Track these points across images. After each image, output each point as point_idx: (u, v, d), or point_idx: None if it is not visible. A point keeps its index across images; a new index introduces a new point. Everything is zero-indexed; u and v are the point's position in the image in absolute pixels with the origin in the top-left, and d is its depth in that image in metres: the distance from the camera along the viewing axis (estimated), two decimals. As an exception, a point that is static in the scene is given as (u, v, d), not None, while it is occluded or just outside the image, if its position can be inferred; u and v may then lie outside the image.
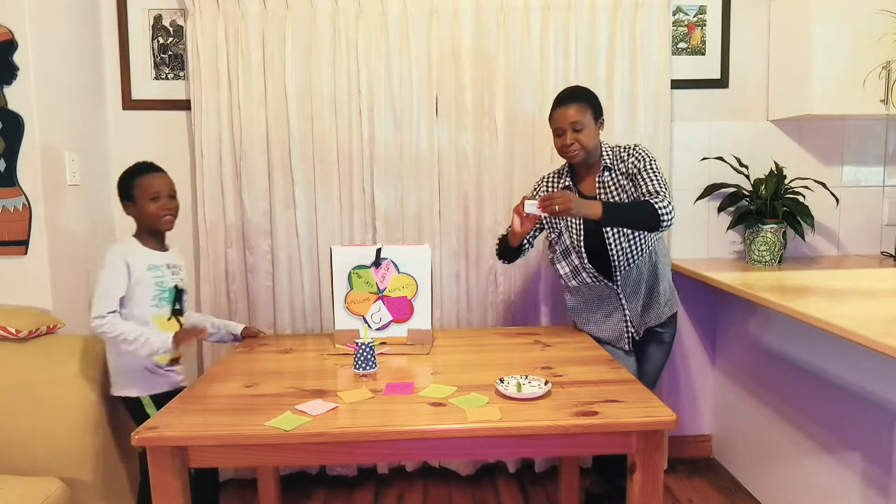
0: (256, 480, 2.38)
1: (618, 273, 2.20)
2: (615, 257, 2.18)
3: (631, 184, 2.15)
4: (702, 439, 2.98)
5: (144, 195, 2.03)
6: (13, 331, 2.11)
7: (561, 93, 2.21)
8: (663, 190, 2.09)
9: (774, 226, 2.64)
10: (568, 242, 2.23)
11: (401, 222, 2.72)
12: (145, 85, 2.74)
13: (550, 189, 2.30)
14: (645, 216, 2.00)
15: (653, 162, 2.15)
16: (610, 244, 2.18)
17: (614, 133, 2.68)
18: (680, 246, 2.87)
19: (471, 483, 2.79)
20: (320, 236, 2.71)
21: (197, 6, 2.60)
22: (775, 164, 2.73)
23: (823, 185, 2.74)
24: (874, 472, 1.90)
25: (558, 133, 2.15)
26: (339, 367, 1.98)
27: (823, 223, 2.91)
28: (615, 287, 2.22)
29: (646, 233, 2.16)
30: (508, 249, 2.27)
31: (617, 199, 2.16)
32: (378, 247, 2.21)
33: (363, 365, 1.88)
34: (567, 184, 2.26)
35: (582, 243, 2.20)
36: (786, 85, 2.75)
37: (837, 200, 2.80)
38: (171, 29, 2.73)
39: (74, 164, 2.45)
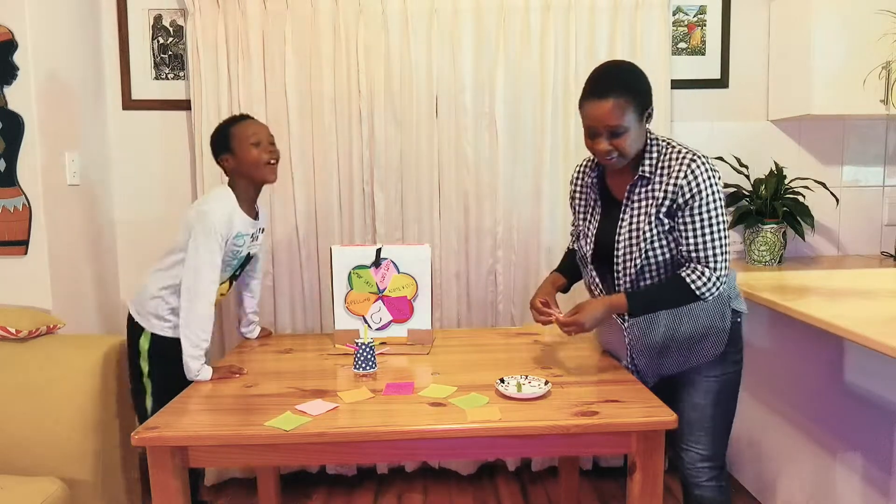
0: (256, 480, 2.38)
1: None
2: (619, 281, 1.75)
3: (667, 212, 1.66)
4: (702, 439, 2.97)
5: (245, 142, 1.92)
6: (13, 331, 2.11)
7: (596, 76, 1.67)
8: (712, 252, 1.64)
9: (774, 226, 2.64)
10: (585, 250, 1.84)
11: (401, 222, 2.72)
12: (145, 85, 2.74)
13: (581, 184, 1.88)
14: (679, 299, 1.67)
15: (711, 200, 1.62)
16: (617, 264, 1.74)
17: (614, 133, 2.68)
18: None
19: (471, 483, 2.79)
20: (320, 236, 2.71)
21: (197, 6, 2.60)
22: (775, 164, 2.73)
23: (823, 185, 2.74)
24: (874, 472, 1.90)
25: (591, 133, 1.65)
26: (339, 367, 1.98)
27: (823, 223, 2.91)
28: (618, 317, 1.80)
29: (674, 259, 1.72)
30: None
31: (644, 218, 1.68)
32: (378, 247, 2.21)
33: (363, 365, 1.88)
34: (592, 181, 1.83)
35: (589, 255, 1.81)
36: (786, 85, 2.75)
37: (837, 200, 2.80)
38: (171, 29, 2.73)
39: (74, 164, 2.45)
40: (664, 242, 1.69)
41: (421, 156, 2.69)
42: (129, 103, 2.75)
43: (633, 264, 1.70)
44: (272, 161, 1.97)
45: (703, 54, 2.82)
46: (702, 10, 2.81)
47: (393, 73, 2.64)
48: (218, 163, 2.01)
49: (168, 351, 1.97)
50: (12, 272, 2.28)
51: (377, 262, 2.20)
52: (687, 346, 1.75)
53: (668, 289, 1.68)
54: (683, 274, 1.65)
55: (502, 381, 1.71)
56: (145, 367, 2.02)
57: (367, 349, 1.88)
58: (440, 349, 2.15)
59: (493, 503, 2.64)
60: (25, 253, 2.28)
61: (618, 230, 1.73)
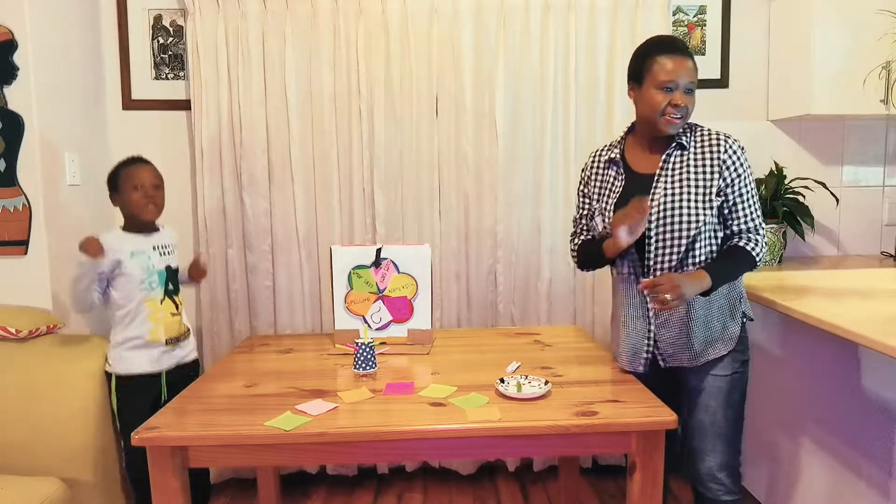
0: (256, 480, 2.38)
1: (650, 275, 1.77)
2: (651, 257, 1.76)
3: (717, 190, 1.71)
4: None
5: (128, 185, 2.09)
6: (13, 331, 2.11)
7: (670, 38, 1.75)
8: (759, 222, 1.76)
9: (774, 226, 2.64)
10: (601, 228, 1.82)
11: (401, 222, 2.72)
12: (145, 85, 2.74)
13: (598, 165, 1.87)
14: (743, 268, 1.74)
15: (750, 174, 1.75)
16: (649, 231, 1.74)
17: (615, 133, 2.68)
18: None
19: (471, 483, 2.79)
20: (320, 236, 2.71)
21: (197, 6, 2.60)
22: (775, 164, 2.73)
23: (823, 185, 2.74)
24: (874, 472, 1.90)
25: (668, 86, 1.69)
26: (339, 367, 1.98)
27: (823, 223, 2.91)
28: (648, 310, 1.80)
29: (709, 239, 1.74)
30: (599, 260, 1.86)
31: (679, 188, 1.72)
32: (378, 247, 2.21)
33: (363, 365, 1.88)
34: (613, 156, 1.83)
35: (607, 229, 1.79)
36: (786, 85, 2.75)
37: (837, 200, 2.80)
38: (171, 29, 2.73)
39: (74, 164, 2.45)
40: (703, 212, 1.71)
41: (421, 156, 2.69)
42: (129, 103, 2.75)
43: (669, 230, 1.72)
44: (150, 206, 2.11)
45: (703, 54, 2.82)
46: (702, 10, 2.81)
47: (393, 73, 2.64)
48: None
49: (133, 396, 2.08)
50: (12, 272, 2.28)
51: (377, 262, 2.20)
52: (699, 334, 1.77)
53: (735, 259, 1.73)
54: (742, 244, 1.74)
55: (502, 381, 1.71)
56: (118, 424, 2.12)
57: (367, 349, 1.88)
58: (440, 349, 2.15)
59: (493, 503, 2.64)
60: (25, 253, 2.28)
61: (651, 196, 1.74)
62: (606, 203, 1.82)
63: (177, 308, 2.16)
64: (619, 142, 1.87)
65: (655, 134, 1.77)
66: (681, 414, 1.84)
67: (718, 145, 1.74)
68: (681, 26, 2.81)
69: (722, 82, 2.84)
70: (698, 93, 2.77)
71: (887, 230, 2.94)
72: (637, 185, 1.79)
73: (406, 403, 1.64)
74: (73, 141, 2.47)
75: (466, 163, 2.69)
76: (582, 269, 1.96)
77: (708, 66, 2.83)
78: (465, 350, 2.13)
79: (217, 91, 2.63)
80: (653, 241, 1.75)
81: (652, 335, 1.81)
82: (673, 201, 1.72)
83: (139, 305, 2.07)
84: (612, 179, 1.84)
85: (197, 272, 2.28)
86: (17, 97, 2.24)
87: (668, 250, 1.73)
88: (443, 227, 2.74)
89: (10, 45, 2.22)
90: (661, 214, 1.73)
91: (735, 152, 1.73)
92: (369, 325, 2.20)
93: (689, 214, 1.71)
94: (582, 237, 1.95)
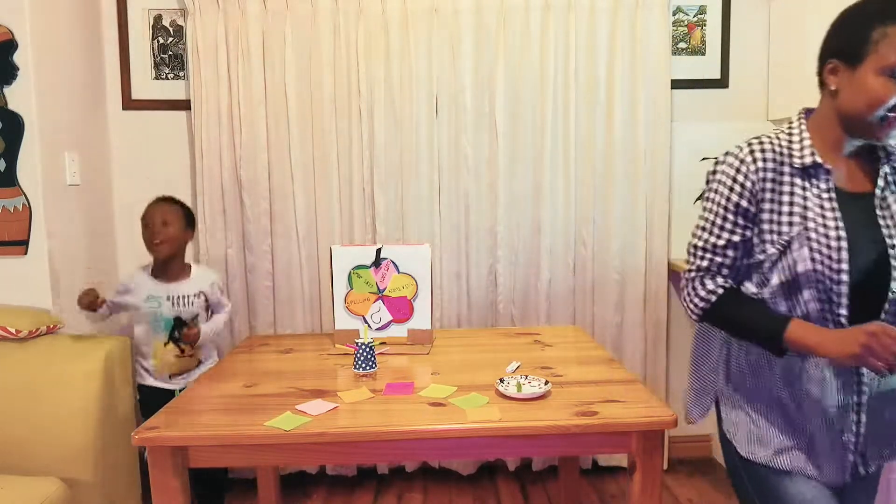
0: (256, 480, 2.38)
1: None
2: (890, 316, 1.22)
3: None
4: (702, 439, 2.98)
5: (142, 222, 2.21)
6: (13, 331, 2.11)
7: None
8: None
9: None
10: (810, 265, 1.21)
11: (401, 222, 2.72)
12: (145, 85, 2.74)
13: (776, 176, 1.24)
14: None
15: None
16: (892, 301, 1.21)
17: (615, 133, 2.68)
18: (680, 247, 2.88)
19: (471, 483, 2.79)
20: (320, 236, 2.71)
21: (197, 6, 2.60)
22: (775, 164, 2.73)
23: (823, 185, 2.74)
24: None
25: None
26: (339, 367, 1.98)
27: (823, 223, 2.91)
28: (855, 376, 1.24)
29: None
30: (767, 343, 1.29)
31: None
32: (378, 247, 2.21)
33: (363, 365, 1.88)
34: (817, 161, 1.23)
35: (844, 272, 1.20)
36: (786, 85, 2.75)
37: (837, 200, 2.80)
38: (171, 29, 2.73)
39: (74, 164, 2.45)
40: None
41: (421, 156, 2.69)
42: (129, 103, 2.75)
43: None
44: (155, 241, 2.18)
45: (703, 54, 2.82)
46: (702, 10, 2.81)
47: (393, 73, 2.64)
48: None
49: (151, 405, 2.12)
50: (12, 272, 2.28)
51: (377, 262, 2.20)
52: None
53: None
54: None
55: (502, 381, 1.71)
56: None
57: (367, 349, 1.88)
58: (440, 349, 2.15)
59: (493, 503, 2.64)
60: (25, 253, 2.28)
61: (887, 229, 1.23)
62: (823, 233, 1.21)
63: (182, 353, 2.24)
64: (809, 142, 1.25)
65: (864, 140, 1.24)
66: None
67: None
68: (681, 26, 2.81)
69: (722, 82, 2.84)
70: (697, 93, 2.83)
71: (887, 230, 2.94)
72: (849, 212, 1.23)
73: (406, 403, 1.64)
74: (73, 141, 2.47)
75: (466, 163, 2.69)
76: (702, 320, 1.37)
77: (708, 66, 2.83)
78: (465, 350, 2.13)
79: (217, 91, 2.63)
80: (892, 303, 1.22)
81: (861, 429, 1.25)
82: None
83: (147, 338, 2.23)
84: (808, 194, 1.24)
85: (186, 337, 2.20)
86: (17, 97, 2.24)
87: None
88: (443, 227, 2.74)
89: (10, 45, 2.22)
90: None
91: None
92: (369, 325, 2.20)
93: None
94: (727, 281, 1.32)
